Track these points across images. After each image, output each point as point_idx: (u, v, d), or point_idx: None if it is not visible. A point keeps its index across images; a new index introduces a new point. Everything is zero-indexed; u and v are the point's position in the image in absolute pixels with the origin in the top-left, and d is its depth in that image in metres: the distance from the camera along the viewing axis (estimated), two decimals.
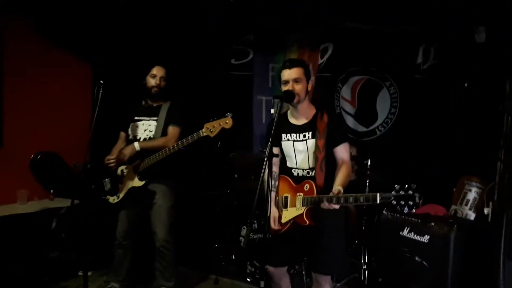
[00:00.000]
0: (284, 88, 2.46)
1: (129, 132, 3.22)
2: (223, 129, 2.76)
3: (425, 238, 2.88)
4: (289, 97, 2.41)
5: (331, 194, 2.25)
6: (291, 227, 2.46)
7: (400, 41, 4.17)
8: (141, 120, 3.22)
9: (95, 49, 4.49)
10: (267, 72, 4.92)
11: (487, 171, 3.18)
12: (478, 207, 3.31)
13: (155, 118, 3.19)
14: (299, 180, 2.49)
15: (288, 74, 2.44)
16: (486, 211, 3.12)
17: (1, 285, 2.98)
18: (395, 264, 3.05)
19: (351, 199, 2.18)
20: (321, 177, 2.43)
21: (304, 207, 2.38)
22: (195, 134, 2.82)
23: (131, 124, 3.22)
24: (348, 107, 4.58)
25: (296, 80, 2.42)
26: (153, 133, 3.17)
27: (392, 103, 4.34)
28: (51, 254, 3.51)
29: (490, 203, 3.10)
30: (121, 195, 3.14)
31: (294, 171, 2.56)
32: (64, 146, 4.14)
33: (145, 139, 3.16)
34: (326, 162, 2.43)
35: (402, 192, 1.98)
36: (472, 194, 3.38)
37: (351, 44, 4.42)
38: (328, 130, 2.44)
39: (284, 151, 2.60)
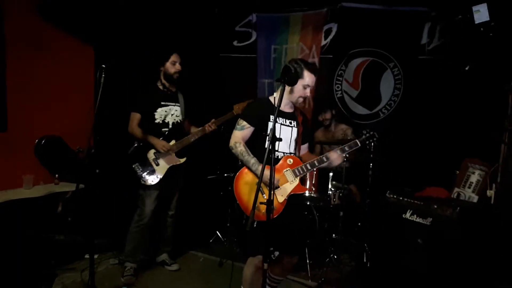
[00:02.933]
0: (303, 92, 2.64)
1: (157, 116, 3.38)
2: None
3: (428, 221, 2.89)
4: (292, 80, 2.44)
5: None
6: (286, 205, 2.60)
7: (405, 21, 4.11)
8: (167, 105, 3.43)
9: (97, 32, 4.45)
10: (269, 54, 4.87)
11: (491, 153, 3.17)
12: (481, 190, 3.31)
13: (178, 104, 3.49)
14: (277, 160, 2.65)
15: (313, 81, 2.63)
16: (489, 193, 3.12)
17: (9, 268, 3.03)
18: (398, 247, 3.07)
19: (338, 151, 2.65)
20: (299, 150, 2.80)
21: (298, 178, 2.63)
22: (228, 114, 3.27)
23: (159, 109, 3.39)
24: (350, 89, 4.55)
25: (311, 89, 2.67)
26: (180, 118, 3.48)
27: (396, 85, 4.31)
28: (57, 238, 3.57)
29: (494, 186, 3.09)
30: (161, 175, 3.34)
31: (275, 152, 2.62)
32: (67, 130, 4.15)
33: (173, 123, 3.44)
34: (302, 149, 2.83)
35: (368, 134, 2.71)
36: (475, 177, 3.38)
37: (355, 25, 4.36)
38: (304, 124, 2.80)
39: (268, 132, 2.61)
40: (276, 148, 2.66)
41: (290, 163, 2.65)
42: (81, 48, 4.52)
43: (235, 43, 5.00)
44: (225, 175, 4.35)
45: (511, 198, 2.79)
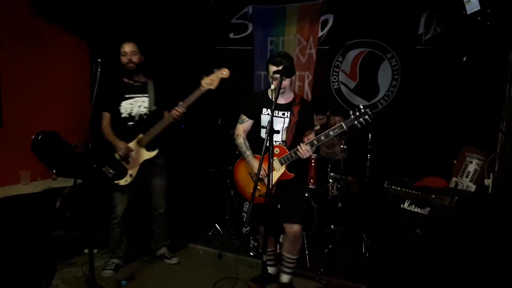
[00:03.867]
0: (274, 82, 2.71)
1: (122, 110, 3.24)
2: (222, 79, 2.95)
3: (426, 210, 2.90)
4: (289, 72, 2.50)
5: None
6: (276, 190, 2.85)
7: (401, 11, 4.08)
8: (132, 97, 3.26)
9: (91, 26, 4.42)
10: (265, 46, 4.84)
11: (488, 143, 3.18)
12: (479, 179, 3.32)
13: (146, 95, 3.28)
14: (266, 150, 2.73)
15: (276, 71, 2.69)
16: (486, 182, 3.13)
17: (8, 264, 3.03)
18: (396, 237, 3.09)
19: (322, 137, 2.68)
20: (290, 139, 2.89)
21: (284, 166, 2.83)
22: (196, 92, 2.99)
23: (123, 103, 3.24)
24: (348, 81, 4.53)
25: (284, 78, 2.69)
26: (147, 109, 3.26)
27: (394, 76, 4.30)
28: (56, 233, 3.57)
29: (491, 175, 3.10)
30: (134, 172, 3.22)
31: (272, 145, 2.81)
32: (64, 125, 4.14)
33: (140, 115, 3.25)
34: (294, 137, 2.90)
35: (357, 113, 2.57)
36: (473, 166, 3.39)
37: (351, 15, 4.34)
38: (300, 115, 2.88)
39: (261, 123, 2.95)
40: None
41: (277, 153, 2.86)
42: (76, 42, 4.50)
43: (231, 35, 4.97)
44: (224, 168, 4.35)
45: (509, 187, 2.80)
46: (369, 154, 3.81)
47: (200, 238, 4.19)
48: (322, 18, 4.53)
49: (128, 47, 3.20)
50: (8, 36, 3.76)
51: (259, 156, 2.79)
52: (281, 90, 2.77)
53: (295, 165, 2.85)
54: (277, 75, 2.64)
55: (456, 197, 2.79)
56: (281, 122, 2.89)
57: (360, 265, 3.56)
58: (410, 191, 3.04)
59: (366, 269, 3.43)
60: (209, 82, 2.95)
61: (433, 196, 2.89)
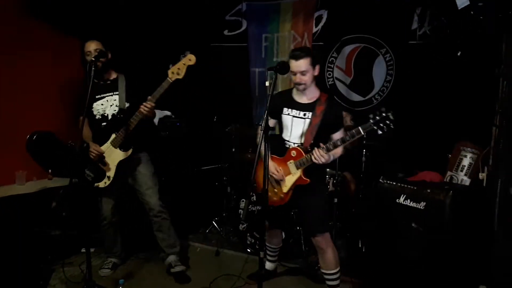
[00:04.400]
0: (293, 78, 2.67)
1: (95, 112, 3.13)
2: (189, 67, 2.76)
3: (421, 205, 2.91)
4: (284, 68, 2.46)
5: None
6: (292, 195, 2.76)
7: (395, 6, 4.08)
8: (103, 97, 3.13)
9: (84, 25, 4.39)
10: (260, 43, 4.83)
11: (482, 137, 3.19)
12: (473, 173, 3.34)
13: (117, 93, 3.11)
14: (285, 152, 2.77)
15: (296, 66, 2.61)
16: (481, 176, 3.15)
17: (5, 265, 3.03)
18: (391, 232, 3.11)
19: (338, 142, 2.52)
20: (308, 141, 2.69)
21: (300, 169, 2.70)
22: (163, 84, 2.80)
23: (94, 104, 3.12)
24: (343, 76, 4.54)
25: (303, 73, 2.62)
26: (118, 107, 3.10)
27: (388, 71, 4.30)
28: (53, 233, 3.57)
29: (486, 168, 3.12)
30: (111, 174, 3.08)
31: (287, 143, 2.82)
32: (59, 125, 4.12)
33: (113, 114, 3.10)
34: (315, 139, 2.68)
35: (377, 117, 2.34)
36: (468, 160, 3.41)
37: (345, 11, 4.33)
38: (324, 115, 2.66)
39: (282, 124, 2.83)
40: (288, 139, 2.81)
41: (294, 155, 2.71)
42: (69, 42, 4.46)
43: (225, 32, 4.96)
44: (220, 165, 4.35)
45: (502, 180, 2.82)
46: (364, 149, 3.82)
47: (197, 236, 4.20)
48: (316, 14, 4.52)
49: (91, 46, 3.03)
50: (1, 37, 3.73)
51: (276, 157, 2.83)
52: (302, 87, 2.67)
53: (314, 170, 2.71)
54: (294, 71, 2.60)
55: (451, 191, 2.81)
56: (301, 123, 2.73)
57: (356, 260, 3.57)
58: (406, 185, 3.05)
59: (362, 264, 3.45)
60: (175, 71, 2.75)
61: (428, 191, 2.90)
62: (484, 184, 3.07)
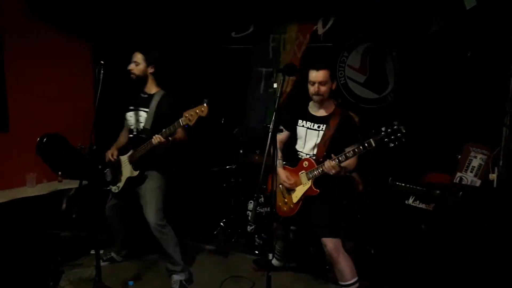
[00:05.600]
0: (311, 88, 2.73)
1: (125, 123, 3.26)
2: (200, 117, 2.75)
3: (431, 206, 2.89)
4: (292, 70, 2.44)
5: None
6: (302, 205, 2.81)
7: (405, 6, 4.06)
8: (133, 110, 3.17)
9: (94, 28, 4.45)
10: (267, 43, 4.84)
11: (492, 137, 3.16)
12: (483, 174, 3.31)
13: (146, 110, 3.10)
14: (297, 162, 2.84)
15: (316, 76, 2.68)
16: (491, 177, 3.12)
17: (15, 266, 3.06)
18: (400, 233, 3.09)
19: (349, 154, 2.52)
20: (321, 153, 2.74)
21: (310, 180, 2.73)
22: (176, 124, 2.81)
23: (127, 114, 3.20)
24: (356, 76, 4.53)
25: (321, 83, 2.68)
26: (143, 124, 3.10)
27: (398, 71, 4.29)
28: (63, 234, 3.60)
29: (496, 169, 3.09)
30: (121, 185, 3.19)
31: (300, 153, 2.89)
32: (69, 127, 4.16)
33: (137, 129, 3.13)
34: (328, 151, 2.70)
35: (389, 130, 2.34)
36: (477, 161, 3.38)
37: (354, 13, 4.33)
38: (337, 129, 2.72)
39: (297, 135, 2.90)
40: (301, 150, 2.88)
41: (306, 166, 2.77)
42: (79, 45, 4.52)
43: (233, 34, 4.97)
44: (228, 167, 4.36)
45: None
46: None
47: (205, 237, 4.21)
48: (323, 18, 4.54)
49: (134, 57, 3.10)
50: (14, 42, 3.78)
51: (288, 167, 2.92)
52: (319, 98, 2.72)
53: (324, 181, 2.72)
54: (313, 81, 2.67)
55: (461, 192, 2.79)
56: (315, 135, 2.79)
57: (364, 262, 3.55)
58: (415, 187, 3.04)
59: (373, 266, 3.43)
60: (188, 116, 2.74)
61: (438, 192, 2.89)
62: (495, 185, 3.04)
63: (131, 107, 3.19)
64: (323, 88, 2.69)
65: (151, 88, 3.17)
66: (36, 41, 4.01)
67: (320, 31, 4.56)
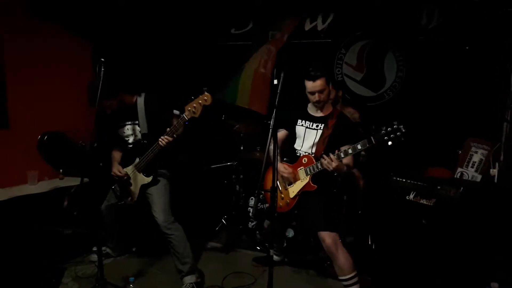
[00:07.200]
0: (311, 97, 2.82)
1: (121, 134, 3.16)
2: (205, 107, 2.73)
3: (432, 201, 2.90)
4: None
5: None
6: (299, 200, 2.86)
7: (404, 1, 4.05)
8: (126, 125, 3.14)
9: (94, 26, 4.43)
10: (267, 40, 4.83)
11: (493, 132, 3.17)
12: (484, 169, 3.32)
13: (136, 122, 3.09)
14: (296, 160, 2.91)
15: (313, 86, 2.76)
16: (492, 172, 3.13)
17: (18, 264, 3.07)
18: (401, 228, 3.09)
19: (349, 151, 2.56)
20: (320, 151, 2.81)
21: (309, 176, 2.79)
22: (180, 120, 2.80)
23: (119, 130, 3.16)
24: (353, 73, 4.52)
25: (320, 91, 2.77)
26: (139, 131, 3.09)
27: (399, 67, 4.28)
28: (65, 232, 3.61)
29: (497, 164, 3.10)
30: (135, 196, 3.13)
31: (298, 151, 2.96)
32: (69, 125, 4.16)
33: (137, 140, 3.12)
34: (326, 150, 2.77)
35: (389, 129, 2.38)
36: (478, 156, 3.38)
37: (353, 8, 4.32)
38: (334, 129, 2.81)
39: (296, 133, 2.98)
40: (299, 148, 2.96)
41: (305, 162, 2.84)
42: (79, 43, 4.50)
43: (232, 31, 4.96)
44: (229, 163, 4.37)
45: None
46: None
47: (207, 234, 4.22)
48: (323, 13, 4.52)
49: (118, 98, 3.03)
50: (13, 40, 3.77)
51: (287, 163, 2.96)
52: (321, 104, 2.84)
53: (322, 176, 2.79)
54: (311, 91, 2.75)
55: (462, 188, 2.79)
56: (313, 134, 2.89)
57: (366, 257, 3.56)
58: (416, 182, 3.04)
59: (372, 261, 3.44)
60: (192, 109, 2.72)
61: (439, 187, 2.89)
62: (496, 180, 3.04)
63: (121, 123, 3.14)
64: (322, 96, 2.80)
65: (131, 100, 3.13)
66: (36, 39, 4.00)
67: (321, 27, 4.55)
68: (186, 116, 2.75)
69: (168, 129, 2.85)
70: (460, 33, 3.76)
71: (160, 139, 2.87)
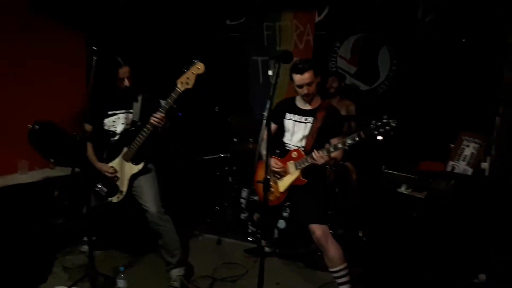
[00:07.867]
0: (299, 90, 2.77)
1: (105, 127, 3.02)
2: (198, 76, 2.69)
3: (423, 194, 2.92)
4: (287, 57, 2.42)
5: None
6: (289, 194, 2.86)
7: None
8: (116, 114, 3.02)
9: (87, 15, 4.38)
10: (261, 31, 4.80)
11: (485, 126, 3.18)
12: (475, 163, 3.33)
13: (131, 110, 3.01)
14: (286, 153, 2.88)
15: (301, 79, 2.71)
16: (483, 166, 3.15)
17: (8, 253, 3.05)
18: (393, 221, 3.11)
19: (339, 145, 2.55)
20: (310, 144, 2.79)
21: (298, 170, 2.76)
22: (173, 95, 2.71)
23: (105, 120, 3.01)
24: (347, 66, 4.51)
25: (308, 84, 2.73)
26: (123, 124, 3.01)
27: (392, 61, 4.28)
28: (55, 222, 3.58)
29: (488, 158, 3.12)
30: (124, 189, 3.00)
31: (287, 145, 2.93)
32: (61, 115, 4.13)
33: (125, 129, 3.02)
34: (316, 143, 2.77)
35: (379, 123, 2.36)
36: (470, 150, 3.40)
37: (349, 2, 4.31)
38: (324, 121, 2.77)
39: (285, 127, 2.94)
40: (289, 142, 2.93)
41: (295, 156, 2.81)
42: (71, 32, 4.44)
43: (227, 22, 4.93)
44: (221, 155, 4.36)
45: (505, 169, 2.81)
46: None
47: (199, 225, 4.22)
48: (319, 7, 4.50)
49: (125, 73, 2.91)
50: (3, 29, 3.71)
51: (277, 157, 2.94)
52: (309, 97, 2.78)
53: (312, 170, 2.76)
54: (299, 84, 2.70)
55: (452, 181, 2.81)
56: (302, 128, 2.85)
57: (357, 250, 3.58)
58: (407, 175, 3.06)
59: (363, 253, 3.46)
60: (184, 81, 2.68)
61: (430, 180, 2.91)
62: (487, 174, 3.06)
63: (110, 112, 3.02)
64: (311, 88, 2.75)
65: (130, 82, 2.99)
66: (27, 28, 3.93)
67: (317, 19, 4.53)
68: (180, 89, 2.68)
69: (163, 102, 2.76)
70: (455, 26, 3.76)
71: (152, 117, 2.76)
